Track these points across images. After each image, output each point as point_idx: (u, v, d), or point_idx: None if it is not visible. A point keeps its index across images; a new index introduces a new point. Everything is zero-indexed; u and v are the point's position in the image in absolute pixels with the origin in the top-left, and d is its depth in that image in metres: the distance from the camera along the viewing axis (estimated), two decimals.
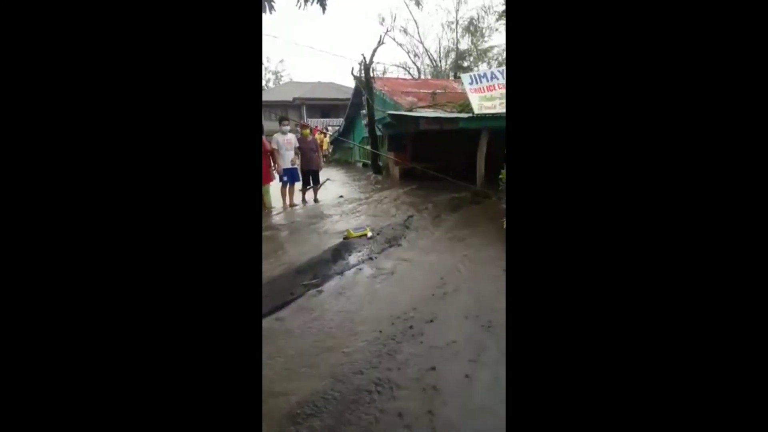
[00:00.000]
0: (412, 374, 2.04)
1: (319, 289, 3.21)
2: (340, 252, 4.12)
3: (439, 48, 23.61)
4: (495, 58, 21.00)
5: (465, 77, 6.65)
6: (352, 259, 3.95)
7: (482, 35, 21.45)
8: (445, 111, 8.37)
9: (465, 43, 22.14)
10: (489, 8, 19.77)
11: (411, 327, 2.50)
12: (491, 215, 5.42)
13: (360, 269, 3.64)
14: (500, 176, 5.33)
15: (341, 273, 3.56)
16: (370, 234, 4.68)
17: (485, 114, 6.23)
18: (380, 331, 2.48)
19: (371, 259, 3.92)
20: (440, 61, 23.15)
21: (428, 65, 23.34)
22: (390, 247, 4.29)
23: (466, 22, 21.13)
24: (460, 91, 10.30)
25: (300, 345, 2.35)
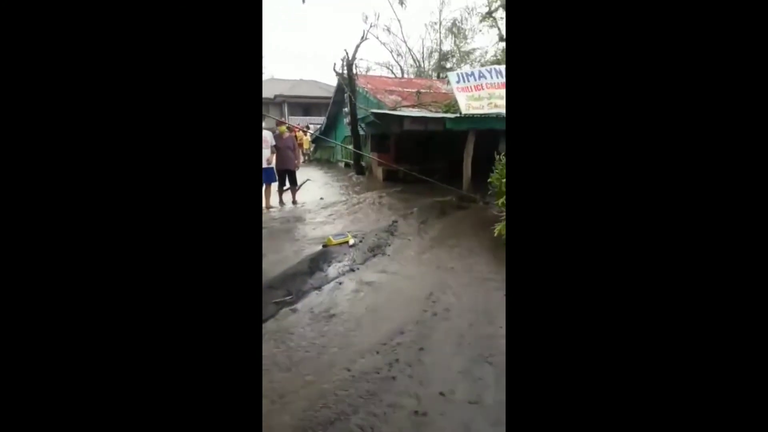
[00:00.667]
0: (400, 422, 1.70)
1: (293, 307, 2.83)
2: (318, 262, 3.74)
3: (423, 48, 23.51)
4: (478, 59, 20.96)
5: (452, 75, 6.38)
6: (332, 270, 3.58)
7: (465, 37, 21.37)
8: (430, 111, 8.09)
9: (448, 44, 22.03)
10: (472, 10, 19.71)
11: (397, 360, 2.16)
12: (479, 221, 5.14)
13: (340, 283, 3.27)
14: (489, 180, 5.06)
15: (319, 288, 3.19)
16: (351, 241, 4.32)
17: (473, 114, 5.98)
18: (363, 363, 2.13)
19: (353, 270, 3.56)
20: (423, 62, 22.98)
21: (411, 65, 23.12)
22: (374, 256, 3.94)
23: (449, 23, 21.00)
24: (444, 91, 10.07)
25: (265, 381, 1.97)
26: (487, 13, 17.45)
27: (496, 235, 4.19)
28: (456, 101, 6.40)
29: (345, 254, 3.96)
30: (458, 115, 6.07)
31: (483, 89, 6.17)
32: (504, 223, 4.17)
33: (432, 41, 22.95)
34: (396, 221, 5.24)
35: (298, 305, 2.87)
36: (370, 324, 2.57)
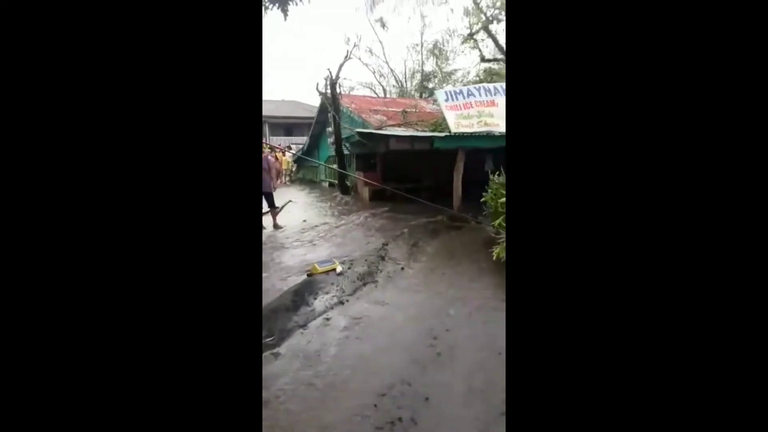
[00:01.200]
0: None
1: (275, 351, 2.45)
2: (302, 295, 3.37)
3: (405, 69, 23.79)
4: (460, 80, 21.33)
5: (440, 93, 6.26)
6: (319, 304, 3.21)
7: (446, 58, 21.80)
8: (417, 130, 7.95)
9: (430, 65, 22.40)
10: (453, 32, 20.16)
11: (400, 419, 1.81)
12: (475, 243, 4.89)
13: (328, 319, 2.91)
14: (483, 199, 4.84)
15: (304, 326, 2.82)
16: (339, 269, 3.97)
17: (462, 133, 5.82)
18: (359, 424, 1.77)
19: (342, 303, 3.20)
20: (406, 82, 23.26)
21: (394, 85, 23.36)
22: (364, 285, 3.60)
23: (430, 45, 21.41)
24: (429, 110, 10.01)
25: None
26: (468, 35, 17.83)
27: (495, 258, 3.92)
28: (444, 120, 6.26)
29: (332, 284, 3.61)
30: (447, 133, 5.91)
31: (472, 107, 6.05)
32: (503, 245, 3.92)
33: (414, 62, 23.30)
34: (386, 244, 4.93)
35: (281, 348, 2.49)
36: (365, 370, 2.22)
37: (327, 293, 3.40)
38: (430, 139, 6.26)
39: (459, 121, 5.93)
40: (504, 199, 4.26)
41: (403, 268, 4.05)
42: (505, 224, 4.12)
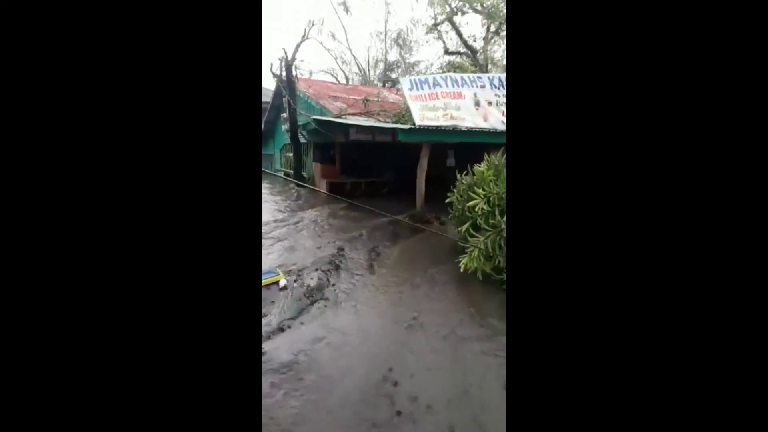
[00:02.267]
0: None
1: None
2: None
3: (368, 57, 23.05)
4: (423, 71, 20.96)
5: (404, 81, 5.72)
6: None
7: (410, 48, 21.31)
8: (379, 120, 7.39)
9: (393, 55, 21.81)
10: (418, 21, 19.67)
11: None
12: (440, 250, 4.45)
13: (263, 354, 2.31)
14: (448, 200, 4.41)
15: None
16: (283, 282, 3.35)
17: (427, 126, 5.35)
18: None
19: (282, 330, 2.61)
20: (369, 71, 22.52)
21: (357, 73, 22.53)
22: (312, 304, 3.02)
23: (394, 34, 20.78)
24: (392, 100, 9.46)
25: None
26: (432, 26, 17.40)
27: (462, 270, 3.49)
28: (408, 110, 5.75)
29: (273, 302, 3.00)
30: (411, 126, 5.41)
31: (438, 98, 5.57)
32: (471, 255, 3.50)
33: (377, 51, 22.64)
34: (342, 249, 4.37)
35: None
36: None
37: (264, 317, 2.78)
38: (393, 131, 5.73)
39: (424, 113, 5.44)
40: (472, 203, 3.84)
41: (360, 280, 3.52)
42: (472, 231, 3.70)
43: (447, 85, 5.69)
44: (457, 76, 5.93)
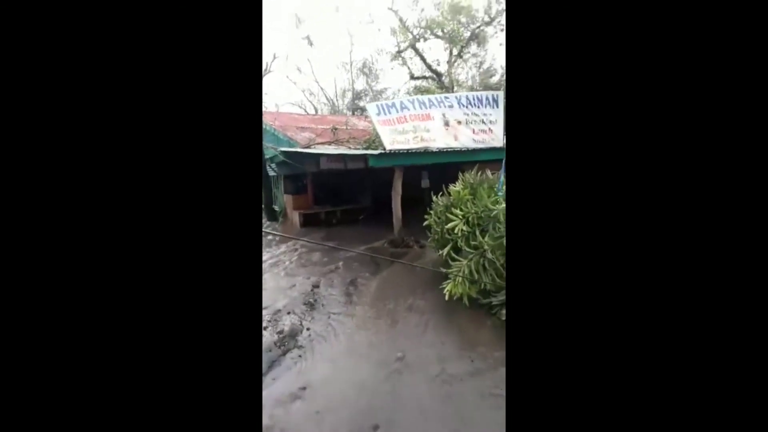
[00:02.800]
0: None
1: None
2: None
3: (336, 87, 23.36)
4: (390, 97, 21.38)
5: (371, 107, 5.65)
6: None
7: (376, 76, 21.77)
8: (349, 147, 7.26)
9: (360, 84, 22.21)
10: (381, 50, 20.21)
11: None
12: (422, 277, 4.21)
13: None
14: (426, 222, 4.22)
15: None
16: None
17: (398, 150, 5.23)
18: None
19: None
20: (337, 100, 22.78)
21: (325, 104, 22.73)
22: (284, 353, 2.69)
23: (360, 63, 21.23)
24: (361, 127, 9.41)
25: None
26: (396, 53, 17.87)
27: (447, 298, 3.26)
28: (378, 136, 5.64)
29: None
30: (382, 151, 5.29)
31: (407, 121, 5.50)
32: (456, 280, 3.28)
33: (344, 80, 22.99)
34: (317, 285, 4.06)
35: None
36: None
37: None
38: (365, 158, 5.59)
39: (394, 137, 5.33)
40: (451, 224, 3.66)
41: (337, 320, 3.21)
42: (453, 254, 3.50)
43: (415, 108, 5.64)
44: (425, 97, 5.91)
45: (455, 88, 17.42)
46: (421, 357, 2.52)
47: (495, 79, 17.52)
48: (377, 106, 5.63)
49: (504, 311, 3.23)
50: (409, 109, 5.59)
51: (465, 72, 18.96)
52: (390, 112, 5.49)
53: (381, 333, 2.97)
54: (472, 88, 17.45)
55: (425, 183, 7.66)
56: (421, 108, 5.66)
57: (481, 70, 18.40)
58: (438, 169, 6.10)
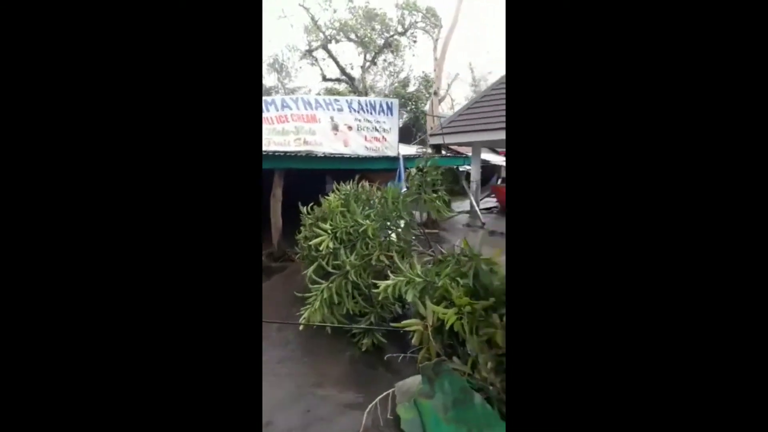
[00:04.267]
0: None
1: None
2: None
3: None
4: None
5: None
6: None
7: (289, 74, 20.83)
8: None
9: (272, 80, 21.02)
10: (294, 47, 19.35)
11: None
12: (291, 296, 3.70)
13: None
14: (298, 235, 3.73)
15: None
16: None
17: (275, 152, 4.68)
18: None
19: None
20: None
21: None
22: None
23: (270, 60, 20.06)
24: None
25: None
26: (307, 51, 17.21)
27: (302, 327, 2.81)
28: None
29: None
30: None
31: (288, 121, 4.98)
32: (312, 307, 2.84)
33: None
34: None
35: None
36: None
37: None
38: None
39: (271, 138, 4.77)
40: (317, 240, 3.23)
41: None
42: (314, 276, 3.06)
43: (298, 107, 5.14)
44: (311, 97, 5.47)
45: (369, 94, 17.37)
46: (271, 408, 2.01)
47: (411, 89, 17.89)
48: None
49: (366, 341, 2.91)
50: (291, 108, 5.07)
51: (384, 80, 19.07)
52: (268, 110, 4.92)
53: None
54: (387, 97, 17.58)
55: (330, 188, 7.21)
56: (305, 108, 5.19)
57: (398, 79, 18.65)
58: (348, 175, 5.67)
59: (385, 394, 2.05)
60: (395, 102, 6.06)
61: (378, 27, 17.12)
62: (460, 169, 8.48)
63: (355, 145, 5.62)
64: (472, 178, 7.56)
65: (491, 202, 9.52)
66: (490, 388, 1.80)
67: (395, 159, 5.76)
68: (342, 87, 18.42)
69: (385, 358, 2.60)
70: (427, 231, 6.07)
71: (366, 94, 17.07)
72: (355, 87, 17.99)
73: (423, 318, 2.20)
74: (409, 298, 2.34)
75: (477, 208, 7.12)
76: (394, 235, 3.38)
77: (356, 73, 18.23)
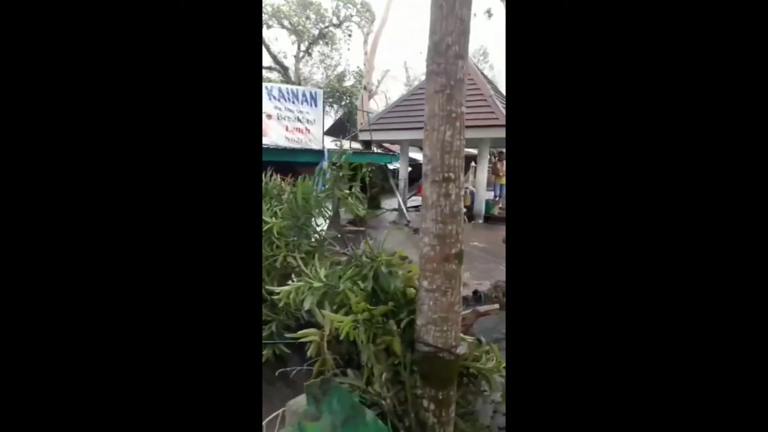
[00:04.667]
0: None
1: None
2: None
3: None
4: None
5: None
6: None
7: None
8: None
9: None
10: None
11: None
12: None
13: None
14: None
15: None
16: None
17: None
18: None
19: None
20: None
21: None
22: None
23: None
24: None
25: None
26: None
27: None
28: None
29: None
30: None
31: None
32: None
33: None
34: None
35: None
36: None
37: None
38: None
39: None
40: None
41: None
42: None
43: None
44: None
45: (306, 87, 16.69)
46: None
47: (348, 83, 17.48)
48: None
49: (266, 351, 2.64)
50: None
51: (320, 73, 18.40)
52: None
53: None
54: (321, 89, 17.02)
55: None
56: None
57: (335, 73, 18.14)
58: (286, 167, 5.19)
59: (273, 415, 1.82)
60: (320, 92, 5.80)
61: (313, 16, 16.52)
62: (389, 167, 8.44)
63: (275, 135, 5.24)
64: (399, 176, 7.55)
65: (418, 200, 9.66)
66: (384, 402, 1.66)
67: (320, 152, 5.49)
68: (274, 76, 17.49)
69: (276, 373, 2.17)
70: (353, 229, 5.89)
71: (299, 84, 16.40)
72: (288, 77, 17.20)
73: (321, 327, 2.00)
74: (306, 305, 2.12)
75: (404, 206, 7.12)
76: (307, 235, 3.15)
77: (290, 63, 17.45)
